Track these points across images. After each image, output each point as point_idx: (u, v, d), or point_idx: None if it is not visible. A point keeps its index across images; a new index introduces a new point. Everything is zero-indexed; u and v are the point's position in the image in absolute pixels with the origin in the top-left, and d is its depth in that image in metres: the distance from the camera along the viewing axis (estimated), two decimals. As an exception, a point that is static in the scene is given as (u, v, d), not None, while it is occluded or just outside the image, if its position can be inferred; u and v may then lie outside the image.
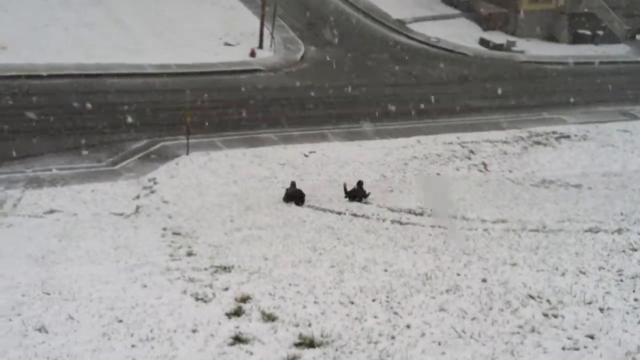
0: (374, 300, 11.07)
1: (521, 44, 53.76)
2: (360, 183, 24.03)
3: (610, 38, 56.77)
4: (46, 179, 24.19)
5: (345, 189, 23.93)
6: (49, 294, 11.88)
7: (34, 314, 10.66)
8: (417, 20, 55.22)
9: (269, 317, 10.32)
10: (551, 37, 56.56)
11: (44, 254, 15.63)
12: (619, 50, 55.73)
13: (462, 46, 51.98)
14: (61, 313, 10.70)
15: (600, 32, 56.22)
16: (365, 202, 23.70)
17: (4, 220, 20.20)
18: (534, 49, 53.58)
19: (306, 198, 23.26)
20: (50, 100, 31.23)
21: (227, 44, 44.39)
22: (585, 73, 48.26)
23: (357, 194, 23.67)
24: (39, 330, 9.92)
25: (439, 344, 9.12)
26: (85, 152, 26.88)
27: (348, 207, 22.07)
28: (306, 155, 28.56)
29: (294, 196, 23.13)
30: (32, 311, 10.84)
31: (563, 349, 8.65)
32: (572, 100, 41.37)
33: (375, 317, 10.29)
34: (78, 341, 9.51)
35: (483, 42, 53.37)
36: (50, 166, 25.28)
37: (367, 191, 23.82)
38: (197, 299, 11.33)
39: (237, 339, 9.49)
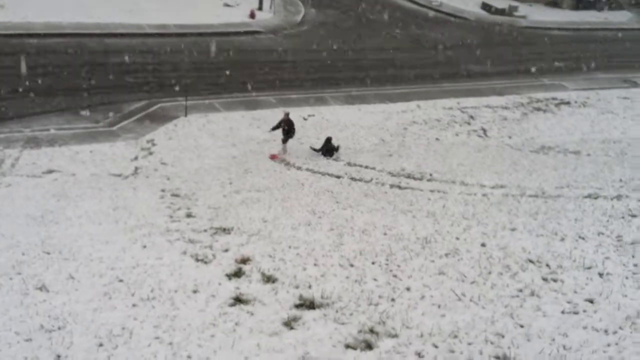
0: (373, 263, 11.12)
1: (523, 9, 53.25)
2: (329, 139, 25.11)
3: (614, 4, 56.24)
4: (44, 139, 24.07)
5: (314, 148, 25.37)
6: (49, 253, 11.91)
7: (34, 273, 10.70)
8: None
9: (269, 279, 10.37)
10: (553, 3, 56.01)
11: (42, 213, 15.63)
12: (621, 17, 55.27)
13: (463, 10, 51.52)
14: (61, 272, 10.74)
15: (603, -1, 55.78)
16: (337, 158, 24.46)
17: (3, 180, 20.16)
18: (536, 14, 53.08)
19: (304, 161, 23.57)
20: (49, 60, 30.95)
21: (226, 5, 43.92)
22: (587, 39, 47.91)
23: (329, 149, 24.87)
24: (40, 289, 9.97)
25: (439, 306, 9.18)
26: (83, 113, 26.71)
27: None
28: (305, 119, 28.39)
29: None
30: (33, 270, 10.88)
31: (562, 312, 8.71)
32: (573, 66, 41.14)
33: (375, 279, 10.34)
34: (79, 300, 9.56)
35: (485, 7, 52.87)
36: (48, 126, 25.12)
37: (336, 145, 25.23)
38: (197, 260, 11.37)
39: (238, 300, 9.55)
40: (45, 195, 18.19)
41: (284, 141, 24.65)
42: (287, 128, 24.42)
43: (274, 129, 24.80)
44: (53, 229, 13.95)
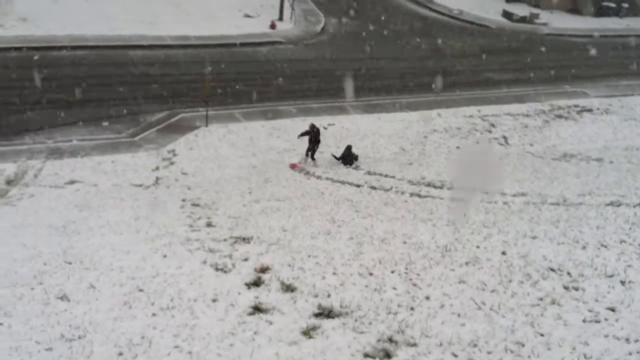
0: (392, 272, 11.07)
1: (544, 16, 52.99)
2: (349, 147, 25.19)
3: (636, 11, 55.78)
4: (67, 150, 24.34)
5: (335, 156, 25.36)
6: (70, 263, 12.00)
7: (55, 283, 10.78)
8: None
9: (288, 288, 10.36)
10: (575, 10, 55.69)
11: (65, 223, 15.78)
12: (644, 23, 54.85)
13: (484, 18, 51.37)
14: (82, 282, 10.82)
15: (625, 5, 55.23)
16: (356, 167, 24.35)
17: (26, 191, 20.38)
18: (557, 21, 52.80)
19: (324, 170, 23.65)
20: (71, 72, 31.31)
21: (247, 16, 44.19)
22: (609, 46, 47.51)
23: (349, 157, 24.94)
24: (61, 298, 10.04)
25: (459, 315, 9.12)
26: (105, 123, 26.99)
27: (360, 176, 22.05)
28: (325, 128, 28.44)
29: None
30: (54, 280, 10.97)
31: (584, 321, 8.61)
32: (594, 73, 40.82)
33: (394, 288, 10.29)
34: (100, 309, 9.62)
35: (506, 14, 52.69)
36: (70, 137, 25.41)
37: (355, 154, 25.29)
38: (216, 269, 11.40)
39: (257, 309, 9.55)
40: (68, 205, 18.37)
41: (310, 151, 24.75)
42: (313, 138, 24.54)
43: (303, 135, 24.90)
44: (75, 239, 14.07)
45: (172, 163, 24.21)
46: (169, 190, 21.11)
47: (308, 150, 24.93)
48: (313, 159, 24.98)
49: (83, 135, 25.75)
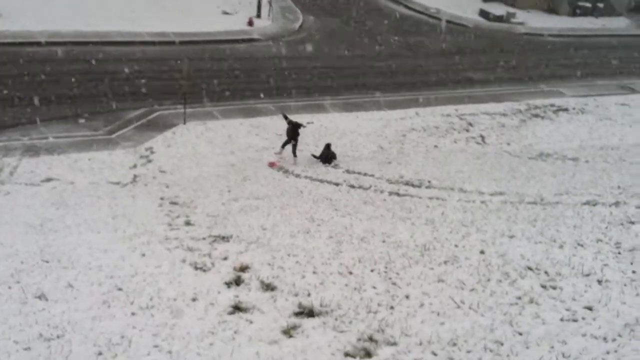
0: (372, 271, 11.12)
1: (521, 15, 53.41)
2: (328, 145, 25.19)
3: (611, 11, 56.42)
4: (43, 147, 24.08)
5: (315, 155, 25.39)
6: (47, 261, 11.90)
7: (33, 282, 10.69)
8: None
9: (268, 287, 10.36)
10: (551, 9, 56.20)
11: (41, 222, 15.63)
12: (619, 23, 55.44)
13: (461, 17, 51.64)
14: (60, 280, 10.73)
15: (601, 5, 55.85)
16: (335, 165, 24.33)
17: (1, 188, 20.15)
18: (533, 20, 53.23)
19: (302, 169, 23.67)
20: (47, 68, 30.97)
21: (225, 13, 44.03)
22: (585, 46, 48.01)
23: (329, 155, 24.93)
24: (39, 297, 9.95)
25: (438, 314, 9.18)
26: (82, 121, 26.74)
27: (339, 174, 22.09)
28: (304, 126, 28.44)
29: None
30: (32, 278, 10.87)
31: (561, 320, 8.71)
32: (570, 73, 41.22)
33: (374, 287, 10.34)
34: (78, 308, 9.55)
35: (483, 14, 53.02)
36: (47, 134, 25.14)
37: (334, 152, 25.26)
38: (196, 268, 11.37)
39: (237, 308, 9.54)
40: (44, 203, 18.18)
41: (287, 145, 24.86)
42: (291, 131, 24.63)
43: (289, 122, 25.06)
44: (52, 238, 13.94)
45: (149, 161, 24.05)
46: (146, 189, 20.98)
47: (285, 143, 24.97)
48: (295, 155, 24.99)
49: (59, 133, 25.48)
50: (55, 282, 10.66)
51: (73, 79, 30.21)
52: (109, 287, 10.43)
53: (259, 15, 43.85)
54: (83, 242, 13.37)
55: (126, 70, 32.20)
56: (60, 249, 12.79)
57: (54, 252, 12.60)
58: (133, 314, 9.37)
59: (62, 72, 30.82)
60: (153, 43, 36.87)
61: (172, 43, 37.34)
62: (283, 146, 25.12)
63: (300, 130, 25.09)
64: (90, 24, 37.30)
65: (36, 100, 27.28)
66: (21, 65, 30.55)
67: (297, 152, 25.13)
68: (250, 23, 42.35)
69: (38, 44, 33.78)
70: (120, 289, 10.31)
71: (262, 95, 31.68)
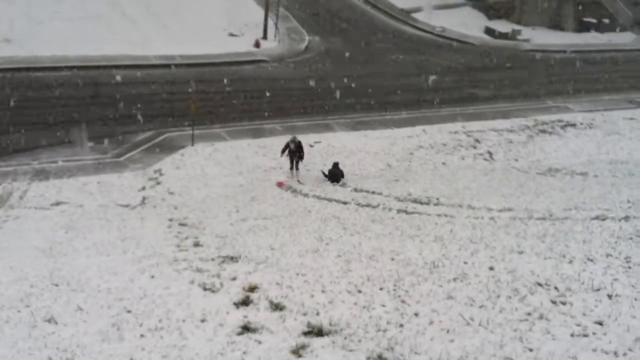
0: (381, 289, 11.06)
1: (526, 32, 53.52)
2: (336, 164, 25.18)
3: (616, 26, 56.45)
4: (52, 171, 24.23)
5: (324, 172, 25.39)
6: (57, 285, 11.92)
7: (42, 305, 10.69)
8: (422, 9, 54.95)
9: (277, 306, 10.32)
10: (556, 26, 56.26)
11: (51, 245, 15.68)
12: (624, 39, 55.44)
13: (467, 35, 51.80)
14: (70, 304, 10.74)
15: (606, 20, 55.90)
16: (343, 184, 24.18)
17: (11, 213, 20.25)
18: (539, 37, 53.33)
19: (310, 188, 23.71)
20: (56, 92, 31.24)
21: (231, 35, 44.33)
22: (591, 61, 48.03)
23: (336, 174, 24.94)
24: (48, 321, 9.95)
25: (447, 331, 9.12)
26: (91, 144, 26.92)
27: (346, 193, 22.09)
28: (311, 146, 28.50)
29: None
30: (41, 302, 10.88)
31: (572, 335, 8.64)
32: (577, 88, 41.21)
33: (383, 305, 10.28)
34: (87, 331, 9.54)
35: (488, 31, 53.18)
36: (56, 158, 25.32)
37: (341, 170, 25.31)
38: (205, 289, 11.34)
39: (246, 328, 9.51)
40: (54, 227, 18.26)
41: (292, 164, 25.03)
42: (294, 152, 24.76)
43: (283, 151, 25.12)
44: (61, 261, 13.98)
45: (158, 183, 24.15)
46: (155, 210, 21.04)
47: (291, 165, 25.17)
48: (297, 169, 25.13)
49: (68, 156, 25.66)
50: (65, 306, 10.67)
51: (81, 103, 30.44)
52: (118, 309, 10.43)
53: (265, 37, 44.13)
54: (92, 265, 13.40)
55: (134, 93, 32.44)
56: (70, 272, 12.82)
57: (64, 275, 12.63)
58: (142, 336, 9.35)
59: (71, 96, 31.08)
60: (160, 66, 37.14)
61: (179, 66, 37.60)
62: (291, 168, 25.28)
63: (306, 150, 25.25)
64: (98, 48, 37.62)
65: (45, 125, 27.48)
66: (30, 89, 30.82)
67: (305, 171, 25.21)
68: (257, 45, 42.63)
69: (46, 68, 34.08)
70: (129, 311, 10.31)
71: (269, 116, 31.80)
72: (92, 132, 27.86)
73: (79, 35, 39.26)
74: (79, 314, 10.26)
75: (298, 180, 24.99)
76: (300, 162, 25.48)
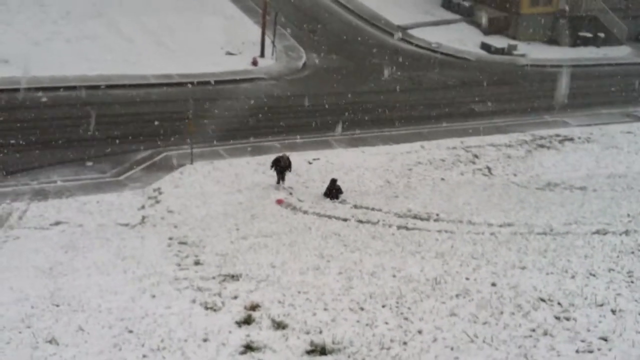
0: (383, 306, 11.03)
1: (522, 47, 53.66)
2: (334, 181, 25.14)
3: (612, 40, 56.67)
4: (51, 191, 24.21)
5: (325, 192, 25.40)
6: (58, 305, 11.87)
7: (44, 326, 10.65)
8: (418, 25, 55.11)
9: (280, 325, 10.28)
10: (552, 40, 56.46)
11: (51, 265, 15.64)
12: (620, 52, 55.62)
13: (463, 51, 51.95)
14: (71, 324, 10.69)
15: (602, 35, 56.13)
16: (342, 201, 24.19)
17: (11, 233, 20.20)
18: (535, 52, 53.48)
19: (310, 205, 23.69)
20: (54, 112, 31.29)
21: (229, 53, 44.42)
22: (588, 75, 48.17)
23: (334, 190, 24.92)
24: (50, 342, 9.91)
25: (452, 349, 9.08)
26: (90, 164, 26.91)
27: (348, 211, 22.07)
28: (310, 163, 28.52)
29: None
30: (42, 323, 10.84)
31: (577, 351, 8.60)
32: (574, 102, 41.31)
33: (386, 323, 10.25)
34: (89, 352, 9.49)
35: (484, 46, 53.32)
36: (55, 178, 25.30)
37: (339, 186, 25.23)
38: (206, 308, 11.30)
39: (249, 348, 9.46)
40: (54, 247, 18.22)
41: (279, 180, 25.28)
42: (280, 167, 24.97)
43: (274, 165, 25.41)
44: (62, 281, 13.93)
45: (157, 201, 24.12)
46: (155, 229, 21.00)
47: (278, 179, 25.38)
48: (283, 180, 25.36)
49: (67, 176, 25.65)
50: (66, 326, 10.63)
51: (79, 123, 30.46)
52: (119, 329, 10.38)
53: (262, 55, 44.23)
54: (93, 285, 13.36)
55: (132, 112, 32.49)
56: (70, 293, 12.77)
57: (64, 295, 12.58)
58: (144, 356, 9.31)
59: (69, 116, 31.12)
60: (158, 85, 37.20)
61: (177, 84, 37.67)
62: (278, 182, 25.59)
63: (305, 168, 25.33)
64: (96, 68, 37.68)
65: (43, 145, 27.49)
66: (29, 110, 30.85)
67: (304, 189, 25.23)
68: (255, 63, 42.72)
69: (44, 89, 34.12)
70: (130, 331, 10.26)
71: (267, 134, 31.85)
72: (90, 152, 27.87)
73: (77, 55, 39.34)
74: (80, 335, 10.22)
75: (286, 188, 25.24)
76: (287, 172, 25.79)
